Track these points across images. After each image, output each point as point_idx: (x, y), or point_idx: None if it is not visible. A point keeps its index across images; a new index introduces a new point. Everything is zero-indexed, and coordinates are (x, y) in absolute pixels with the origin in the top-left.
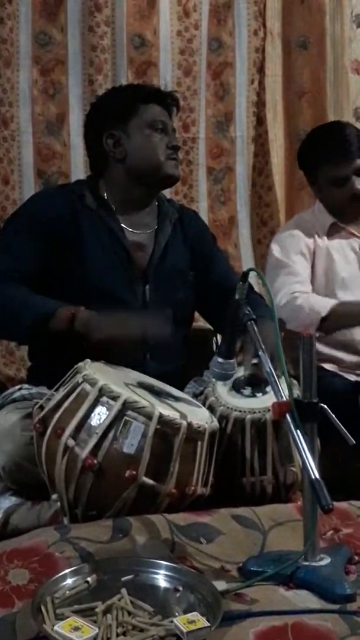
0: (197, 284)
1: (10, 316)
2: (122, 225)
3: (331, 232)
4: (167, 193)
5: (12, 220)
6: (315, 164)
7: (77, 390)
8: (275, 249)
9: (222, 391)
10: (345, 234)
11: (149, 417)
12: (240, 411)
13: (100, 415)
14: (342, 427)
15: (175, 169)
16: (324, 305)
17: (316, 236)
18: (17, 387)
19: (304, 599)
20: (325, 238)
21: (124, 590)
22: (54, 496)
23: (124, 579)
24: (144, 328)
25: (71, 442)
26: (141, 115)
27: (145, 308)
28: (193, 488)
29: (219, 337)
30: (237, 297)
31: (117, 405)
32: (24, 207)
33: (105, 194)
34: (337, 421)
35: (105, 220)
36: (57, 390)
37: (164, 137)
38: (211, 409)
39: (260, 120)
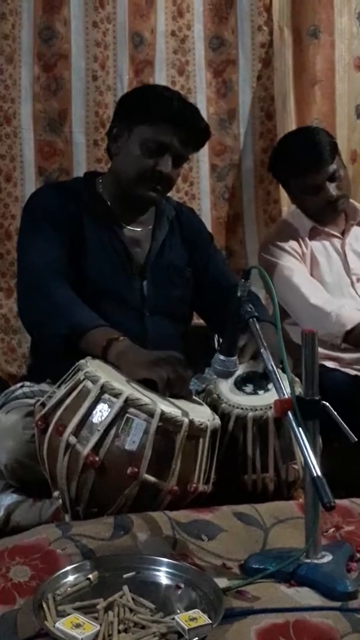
0: (194, 281)
1: (49, 318)
2: (119, 220)
3: (312, 235)
4: None
5: (29, 219)
6: (288, 174)
7: (79, 388)
8: (271, 256)
9: (223, 388)
10: (326, 235)
11: (150, 414)
12: (242, 408)
13: (102, 413)
14: (344, 424)
15: (151, 191)
16: (351, 319)
17: (300, 240)
18: (19, 384)
19: (306, 596)
20: (308, 241)
21: (125, 588)
22: (56, 493)
23: (125, 576)
24: (171, 380)
25: (73, 440)
26: (148, 128)
27: (143, 304)
28: (195, 485)
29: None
30: (239, 294)
31: (118, 403)
32: (34, 204)
33: (101, 191)
34: (339, 418)
35: (103, 216)
36: (58, 387)
37: (158, 159)
38: (213, 406)
39: (269, 116)
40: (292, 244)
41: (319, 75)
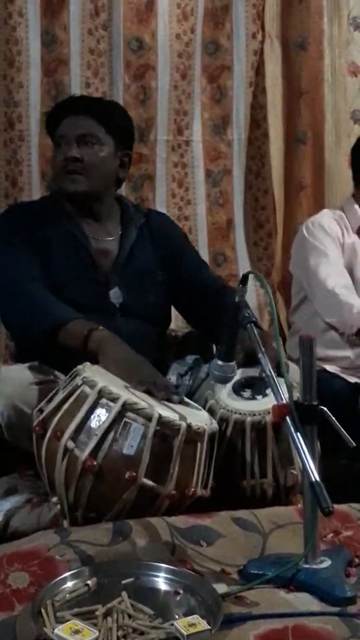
0: (169, 281)
1: (30, 319)
2: (85, 233)
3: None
4: (163, 195)
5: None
6: None
7: (77, 393)
8: (311, 237)
9: (222, 394)
10: None
11: (148, 418)
12: (240, 414)
13: (99, 417)
14: (342, 430)
15: (71, 183)
16: None
17: (345, 230)
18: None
19: (305, 601)
20: (353, 235)
21: (124, 593)
22: (54, 499)
23: (124, 582)
24: (150, 385)
25: (71, 444)
26: (55, 136)
27: (114, 312)
28: (193, 489)
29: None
30: (236, 299)
31: (116, 407)
32: (3, 223)
33: (66, 207)
34: (337, 423)
35: (68, 230)
36: (56, 392)
37: (64, 149)
38: (211, 411)
39: (257, 123)
40: (337, 230)
41: (304, 87)
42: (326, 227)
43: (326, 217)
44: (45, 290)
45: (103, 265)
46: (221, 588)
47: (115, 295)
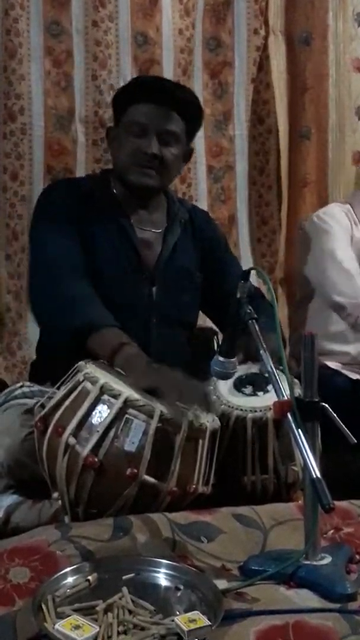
0: (208, 288)
1: (63, 311)
2: (132, 222)
3: None
4: None
5: (43, 211)
6: None
7: (78, 389)
8: (322, 223)
9: (223, 390)
10: None
11: (150, 415)
12: (241, 410)
13: (101, 414)
14: (343, 426)
15: (144, 177)
16: None
17: (354, 223)
18: (19, 384)
19: (305, 598)
20: None
21: (124, 589)
22: (55, 494)
23: (124, 577)
24: (180, 398)
25: (72, 441)
26: (128, 115)
27: (150, 310)
28: (194, 486)
29: (220, 336)
30: (238, 295)
31: (118, 404)
32: (49, 197)
33: (114, 190)
34: (338, 420)
35: (114, 217)
36: (58, 388)
37: (142, 141)
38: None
39: (261, 119)
40: (345, 221)
41: (309, 82)
42: (337, 216)
43: (336, 209)
44: (85, 284)
45: (147, 259)
46: (222, 584)
47: (154, 293)
